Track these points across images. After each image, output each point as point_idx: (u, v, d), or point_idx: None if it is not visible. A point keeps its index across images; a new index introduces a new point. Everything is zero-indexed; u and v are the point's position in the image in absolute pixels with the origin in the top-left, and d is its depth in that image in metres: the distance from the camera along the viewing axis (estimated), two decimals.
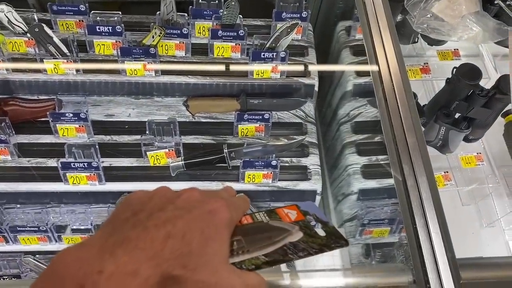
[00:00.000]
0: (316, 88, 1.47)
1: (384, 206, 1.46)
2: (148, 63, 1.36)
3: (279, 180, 1.40)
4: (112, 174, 1.37)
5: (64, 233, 1.40)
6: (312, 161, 1.45)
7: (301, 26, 1.47)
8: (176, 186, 1.36)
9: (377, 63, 1.04)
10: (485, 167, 1.56)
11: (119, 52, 1.34)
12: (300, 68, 1.45)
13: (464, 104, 1.40)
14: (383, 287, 0.81)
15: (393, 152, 0.93)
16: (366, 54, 1.53)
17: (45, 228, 1.36)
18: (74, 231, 1.41)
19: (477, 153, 1.54)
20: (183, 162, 1.36)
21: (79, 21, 1.42)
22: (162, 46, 1.41)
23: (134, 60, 1.35)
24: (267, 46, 1.38)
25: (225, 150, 1.35)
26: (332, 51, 1.63)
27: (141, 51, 1.34)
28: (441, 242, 0.83)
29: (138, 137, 1.42)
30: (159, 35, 1.34)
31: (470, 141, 1.57)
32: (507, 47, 1.67)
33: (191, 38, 1.43)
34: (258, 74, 1.42)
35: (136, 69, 1.37)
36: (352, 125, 1.53)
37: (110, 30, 1.36)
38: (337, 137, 1.56)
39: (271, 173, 1.37)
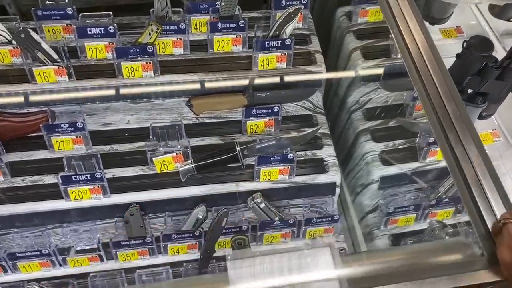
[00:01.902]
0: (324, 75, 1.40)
1: (407, 192, 1.39)
2: (146, 62, 1.27)
3: (296, 176, 1.32)
4: (116, 185, 1.26)
5: (68, 255, 1.28)
6: (327, 153, 1.38)
7: (301, 13, 1.41)
8: (187, 192, 1.26)
9: (402, 37, 0.98)
10: (501, 143, 1.51)
11: (114, 53, 1.24)
12: (306, 55, 1.39)
13: (477, 79, 1.35)
14: (451, 264, 0.73)
15: (435, 122, 0.86)
16: (371, 38, 1.48)
17: (47, 252, 1.24)
18: (79, 252, 1.29)
19: (493, 130, 1.49)
20: (193, 165, 1.26)
21: (67, 25, 1.32)
22: (158, 44, 1.32)
23: (131, 61, 1.26)
24: (270, 34, 1.31)
25: (237, 148, 1.26)
26: (334, 37, 1.57)
27: (138, 50, 1.25)
28: (504, 210, 0.76)
29: (141, 144, 1.33)
30: (156, 32, 1.26)
31: (484, 117, 1.52)
32: (508, 20, 1.65)
33: (188, 34, 1.34)
34: (263, 65, 1.34)
35: (134, 70, 1.28)
36: (364, 112, 1.46)
37: (102, 32, 1.26)
38: (349, 126, 1.49)
39: (288, 167, 1.29)
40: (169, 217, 1.31)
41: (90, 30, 1.26)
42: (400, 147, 1.41)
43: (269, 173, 1.29)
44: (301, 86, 1.40)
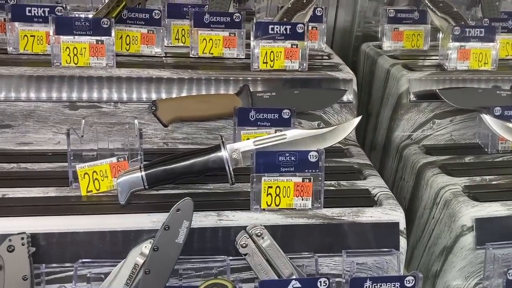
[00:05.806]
0: (355, 87, 0.96)
1: None
2: (97, 42, 0.88)
3: (325, 207, 0.74)
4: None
5: None
6: (374, 183, 0.83)
7: (316, 29, 1.08)
8: (127, 222, 0.70)
9: None
10: None
11: (53, 26, 0.87)
12: (326, 62, 0.99)
13: None
14: None
15: None
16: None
17: None
18: None
19: None
20: (143, 173, 0.72)
21: None
22: (121, 37, 0.96)
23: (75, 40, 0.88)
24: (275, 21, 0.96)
25: (224, 147, 0.74)
26: (362, 67, 1.19)
27: (87, 24, 0.88)
28: None
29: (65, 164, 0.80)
30: (118, 5, 0.91)
31: None
32: None
33: (165, 35, 1.00)
34: (266, 63, 0.93)
35: (77, 53, 0.88)
36: (421, 148, 0.96)
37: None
38: (402, 166, 0.96)
39: (309, 180, 0.73)
40: (84, 266, 0.68)
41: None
42: (494, 182, 0.85)
43: (277, 192, 0.73)
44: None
